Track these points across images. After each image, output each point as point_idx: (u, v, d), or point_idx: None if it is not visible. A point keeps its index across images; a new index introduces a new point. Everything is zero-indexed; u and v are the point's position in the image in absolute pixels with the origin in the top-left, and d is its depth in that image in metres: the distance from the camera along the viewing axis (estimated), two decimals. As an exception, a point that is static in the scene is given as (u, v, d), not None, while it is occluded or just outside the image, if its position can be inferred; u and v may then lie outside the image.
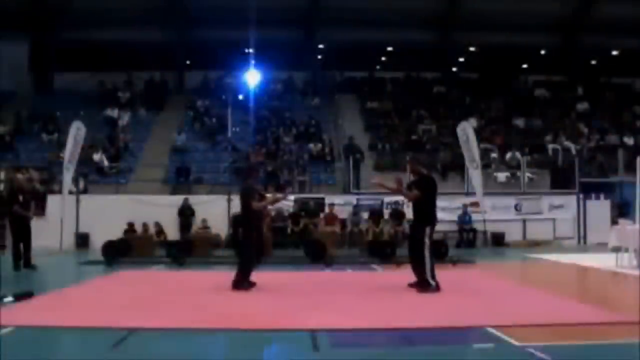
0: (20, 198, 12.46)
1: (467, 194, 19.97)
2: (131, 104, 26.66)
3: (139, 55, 28.16)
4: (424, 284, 8.59)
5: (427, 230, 8.67)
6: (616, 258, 12.56)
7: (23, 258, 12.13)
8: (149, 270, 12.80)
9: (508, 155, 22.57)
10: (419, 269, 8.77)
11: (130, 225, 17.51)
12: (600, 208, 20.22)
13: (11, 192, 12.97)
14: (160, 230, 17.69)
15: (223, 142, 23.45)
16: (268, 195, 10.45)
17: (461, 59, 31.28)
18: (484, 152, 21.66)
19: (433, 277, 8.58)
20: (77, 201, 19.02)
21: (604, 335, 6.17)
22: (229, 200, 19.11)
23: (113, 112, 25.50)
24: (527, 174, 21.32)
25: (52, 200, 18.54)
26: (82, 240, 18.58)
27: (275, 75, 28.52)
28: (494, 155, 22.87)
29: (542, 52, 30.98)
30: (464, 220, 19.37)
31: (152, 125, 25.87)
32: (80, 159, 19.27)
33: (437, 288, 8.53)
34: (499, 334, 5.96)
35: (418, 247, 8.69)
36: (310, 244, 14.73)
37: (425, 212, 8.80)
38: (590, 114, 26.93)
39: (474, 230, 19.35)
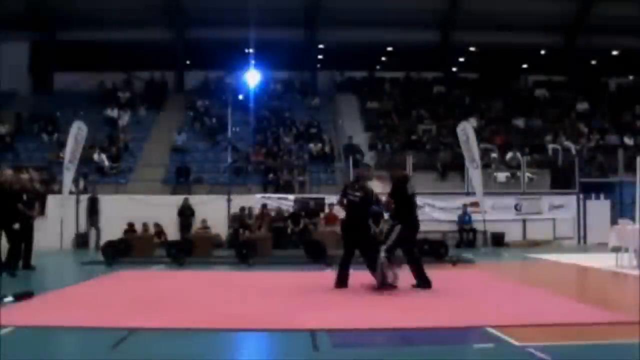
0: (25, 197, 12.45)
1: (467, 194, 19.97)
2: (131, 104, 26.66)
3: (139, 55, 28.17)
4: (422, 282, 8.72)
5: (397, 229, 8.76)
6: (616, 258, 12.56)
7: (23, 259, 12.10)
8: (149, 270, 12.80)
9: (508, 155, 22.58)
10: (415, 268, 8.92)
11: (131, 226, 17.51)
12: (600, 208, 20.23)
13: (11, 191, 12.94)
14: (160, 231, 17.67)
15: (223, 142, 23.46)
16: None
17: (461, 59, 31.27)
18: (484, 152, 21.66)
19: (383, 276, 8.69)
20: (77, 201, 19.03)
21: (604, 335, 6.17)
22: (228, 200, 19.13)
23: (113, 112, 25.51)
24: (527, 174, 21.31)
25: (52, 200, 18.55)
26: (82, 240, 18.58)
27: (275, 75, 28.51)
28: (494, 155, 22.87)
29: (542, 52, 30.99)
30: (464, 220, 19.38)
31: (152, 125, 25.87)
32: (80, 159, 19.28)
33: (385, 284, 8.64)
34: (499, 334, 5.96)
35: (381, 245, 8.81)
36: (310, 244, 14.73)
37: (398, 213, 8.93)
38: (590, 114, 26.93)
39: (474, 230, 19.35)
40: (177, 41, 28.88)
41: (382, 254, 8.61)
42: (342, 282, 9.13)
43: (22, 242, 12.13)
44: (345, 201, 9.45)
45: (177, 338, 6.06)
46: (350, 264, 9.26)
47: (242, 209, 18.83)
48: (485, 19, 27.38)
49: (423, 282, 8.93)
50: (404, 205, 8.97)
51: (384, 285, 8.68)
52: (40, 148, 23.46)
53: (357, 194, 9.28)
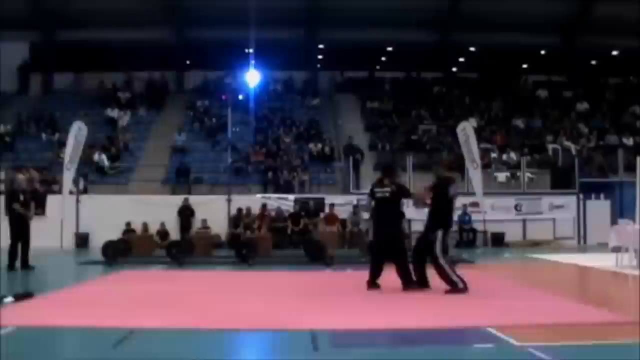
0: (21, 197, 12.46)
1: (467, 194, 19.96)
2: (131, 104, 26.66)
3: (139, 55, 28.17)
4: (451, 285, 8.37)
5: (439, 233, 8.52)
6: (616, 258, 12.55)
7: (21, 259, 12.10)
8: (149, 270, 12.80)
9: (507, 155, 22.61)
10: (419, 269, 8.77)
11: (128, 225, 17.47)
12: (600, 208, 20.23)
13: (11, 191, 12.97)
14: (164, 232, 17.52)
15: (223, 142, 23.47)
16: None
17: (461, 59, 31.26)
18: (484, 152, 21.66)
19: (455, 274, 8.44)
20: (77, 201, 19.04)
21: (604, 335, 6.16)
22: (229, 200, 19.14)
23: (113, 112, 25.53)
24: (527, 174, 21.32)
25: (52, 200, 18.54)
26: (82, 240, 18.59)
27: (275, 75, 28.52)
28: (494, 155, 22.87)
29: (542, 52, 30.97)
30: (464, 220, 19.37)
31: (152, 125, 25.88)
32: (80, 159, 19.28)
33: (465, 287, 8.36)
34: (499, 334, 5.95)
35: (428, 250, 8.53)
36: (310, 244, 14.73)
37: (438, 214, 8.64)
38: (590, 114, 26.93)
39: (474, 230, 19.34)
40: (177, 41, 28.87)
41: (441, 259, 8.36)
42: (373, 282, 8.82)
43: (19, 242, 12.12)
44: (373, 202, 8.94)
45: (177, 338, 6.05)
46: (381, 265, 8.91)
47: (239, 210, 18.81)
48: (485, 19, 27.35)
49: (424, 283, 8.77)
50: (444, 208, 8.65)
51: (457, 288, 8.33)
52: (40, 148, 23.46)
53: (387, 189, 8.77)
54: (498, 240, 19.36)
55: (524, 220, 20.16)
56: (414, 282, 8.67)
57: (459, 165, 20.93)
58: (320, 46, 29.96)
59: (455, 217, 19.03)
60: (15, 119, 25.05)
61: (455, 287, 8.35)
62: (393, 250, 8.78)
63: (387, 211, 8.86)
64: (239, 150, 23.31)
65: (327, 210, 18.99)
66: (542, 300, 8.22)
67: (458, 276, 8.43)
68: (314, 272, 11.95)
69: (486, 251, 18.44)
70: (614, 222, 16.13)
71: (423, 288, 8.66)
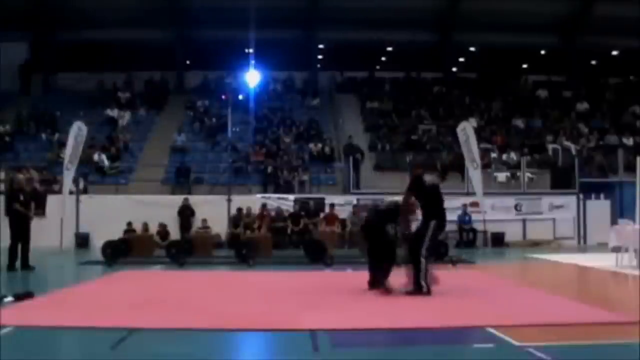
0: (21, 197, 12.46)
1: (467, 194, 19.96)
2: (131, 104, 26.66)
3: (139, 55, 28.20)
4: (416, 286, 8.30)
5: (432, 224, 8.40)
6: (616, 258, 12.55)
7: (21, 259, 12.09)
8: (149, 271, 12.79)
9: (507, 155, 22.60)
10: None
11: (129, 225, 17.46)
12: (600, 208, 20.23)
13: (11, 191, 12.98)
14: (164, 232, 17.48)
15: (223, 142, 23.47)
16: None
17: (461, 59, 31.28)
18: (484, 152, 21.66)
19: (425, 279, 8.28)
20: (77, 201, 19.03)
21: (604, 335, 6.16)
22: (229, 200, 19.14)
23: (113, 112, 25.53)
24: (527, 174, 21.32)
25: (52, 200, 18.54)
26: (82, 240, 18.58)
27: (275, 75, 28.54)
28: (494, 155, 22.88)
29: (542, 52, 31.00)
30: (464, 220, 19.36)
31: (152, 125, 25.88)
32: (80, 159, 19.26)
33: (428, 292, 8.24)
34: (499, 334, 5.95)
35: (416, 243, 8.41)
36: (310, 244, 14.73)
37: (430, 211, 8.56)
38: (590, 114, 26.94)
39: (474, 230, 19.34)
40: (177, 41, 28.90)
41: (423, 257, 8.28)
42: (373, 283, 8.89)
43: (19, 242, 12.11)
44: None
45: (177, 338, 6.05)
46: (377, 265, 8.95)
47: (239, 210, 18.81)
48: (485, 19, 27.38)
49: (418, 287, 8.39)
50: (428, 201, 8.57)
51: (421, 292, 8.21)
52: (40, 148, 23.45)
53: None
54: (498, 240, 19.35)
55: (524, 220, 20.16)
56: (413, 283, 8.64)
57: (459, 165, 20.98)
58: (320, 46, 29.98)
59: (454, 217, 19.31)
60: (15, 119, 25.04)
61: (419, 290, 8.24)
62: (386, 254, 8.87)
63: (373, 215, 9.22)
64: (239, 150, 23.31)
65: (327, 210, 18.98)
66: (542, 300, 8.23)
67: (427, 281, 8.29)
68: (314, 272, 11.96)
69: (486, 251, 18.43)
70: (614, 222, 16.14)
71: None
